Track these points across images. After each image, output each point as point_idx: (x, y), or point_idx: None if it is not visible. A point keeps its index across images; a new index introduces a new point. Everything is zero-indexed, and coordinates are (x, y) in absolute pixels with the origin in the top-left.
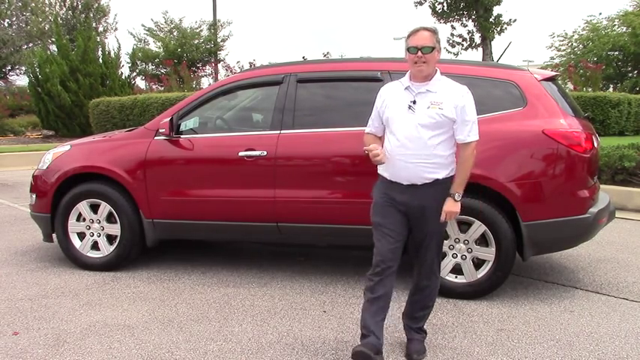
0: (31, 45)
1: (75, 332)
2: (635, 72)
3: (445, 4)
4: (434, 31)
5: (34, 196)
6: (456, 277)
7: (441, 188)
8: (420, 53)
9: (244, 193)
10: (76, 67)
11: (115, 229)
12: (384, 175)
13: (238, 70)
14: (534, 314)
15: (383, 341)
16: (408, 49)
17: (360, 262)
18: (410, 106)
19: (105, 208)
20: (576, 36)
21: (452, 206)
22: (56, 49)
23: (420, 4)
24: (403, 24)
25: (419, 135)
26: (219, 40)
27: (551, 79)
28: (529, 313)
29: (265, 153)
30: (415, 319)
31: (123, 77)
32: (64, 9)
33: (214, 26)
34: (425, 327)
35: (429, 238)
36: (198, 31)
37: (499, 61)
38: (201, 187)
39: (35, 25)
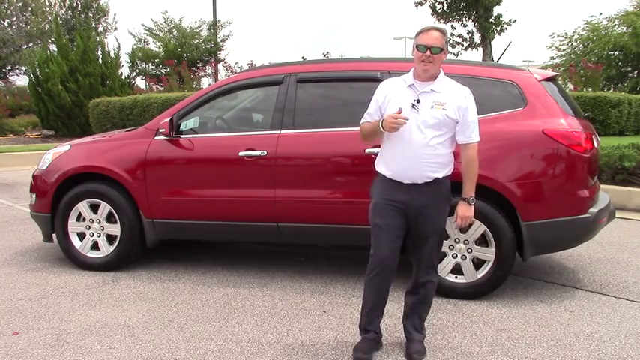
0: (31, 45)
1: (75, 332)
2: (636, 72)
3: (445, 4)
4: (444, 32)
5: (34, 196)
6: (456, 277)
7: (439, 187)
8: (428, 52)
9: (244, 194)
10: (76, 67)
11: (115, 229)
12: (385, 174)
13: (238, 71)
14: (534, 314)
15: (382, 334)
16: (417, 47)
17: (360, 262)
18: (414, 105)
19: (105, 208)
20: (576, 36)
21: (466, 211)
22: (56, 49)
23: (421, 4)
24: (403, 24)
25: (422, 135)
26: (219, 40)
27: (551, 79)
28: (529, 313)
29: (265, 153)
30: (415, 317)
31: (123, 77)
32: (64, 9)
33: (214, 26)
34: (425, 326)
35: (429, 237)
36: (198, 31)
37: (499, 61)
38: (201, 187)
39: (35, 25)
